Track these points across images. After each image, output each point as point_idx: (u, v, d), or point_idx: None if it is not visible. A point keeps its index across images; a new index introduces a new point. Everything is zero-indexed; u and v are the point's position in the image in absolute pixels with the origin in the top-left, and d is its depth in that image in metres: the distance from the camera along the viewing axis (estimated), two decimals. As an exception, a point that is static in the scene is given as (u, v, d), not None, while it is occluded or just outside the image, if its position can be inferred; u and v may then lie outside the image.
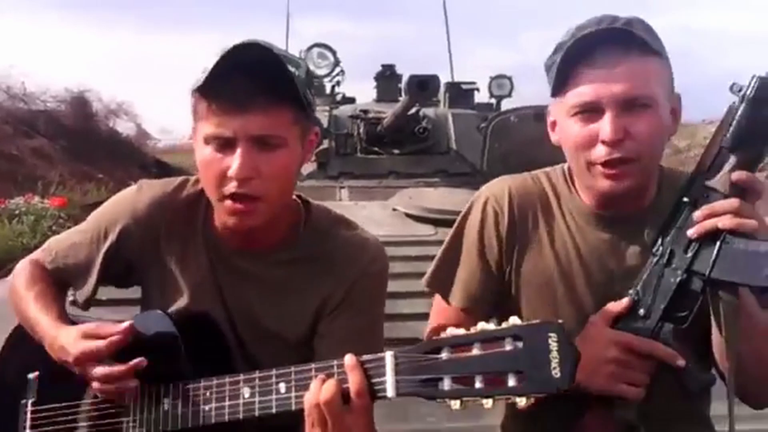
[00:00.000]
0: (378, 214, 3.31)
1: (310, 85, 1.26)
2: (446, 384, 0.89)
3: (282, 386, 1.03)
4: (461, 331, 0.90)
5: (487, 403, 0.86)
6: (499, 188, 1.33)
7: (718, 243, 1.06)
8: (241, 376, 1.07)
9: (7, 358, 1.38)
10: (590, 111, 1.16)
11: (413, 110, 4.23)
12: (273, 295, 1.26)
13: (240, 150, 1.14)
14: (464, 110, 4.70)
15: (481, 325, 0.89)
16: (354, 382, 0.96)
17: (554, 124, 1.28)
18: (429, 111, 4.48)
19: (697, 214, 1.08)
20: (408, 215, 3.25)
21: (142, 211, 1.30)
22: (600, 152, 1.16)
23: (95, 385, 1.16)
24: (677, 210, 1.12)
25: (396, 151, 4.39)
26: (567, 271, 1.25)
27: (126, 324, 1.15)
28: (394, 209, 3.35)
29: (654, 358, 1.12)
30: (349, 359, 0.97)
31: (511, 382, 0.85)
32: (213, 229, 1.29)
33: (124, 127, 14.61)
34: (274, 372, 1.04)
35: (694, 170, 1.12)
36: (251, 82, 1.13)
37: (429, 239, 2.93)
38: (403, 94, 4.41)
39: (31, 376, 1.31)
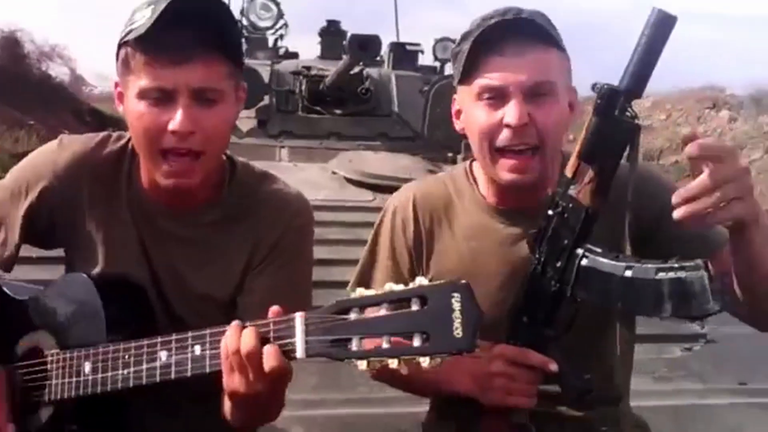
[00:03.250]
0: (317, 177, 3.31)
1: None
2: (354, 345, 0.88)
3: (197, 348, 1.02)
4: (370, 292, 0.90)
5: (393, 363, 0.86)
6: (404, 197, 1.36)
7: (576, 260, 1.07)
8: (159, 339, 1.06)
9: None
10: (496, 97, 1.19)
11: (356, 69, 4.19)
12: (199, 256, 1.25)
13: (181, 103, 1.10)
14: (408, 72, 4.69)
15: (389, 286, 0.88)
16: (268, 354, 0.95)
17: (459, 112, 1.30)
18: (372, 71, 4.45)
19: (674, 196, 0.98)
20: (347, 179, 3.26)
21: (63, 168, 1.25)
22: (505, 137, 1.18)
23: None
24: (547, 219, 1.13)
25: (338, 111, 4.37)
26: (471, 270, 1.26)
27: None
28: (334, 172, 3.36)
29: (529, 365, 1.16)
30: (273, 311, 0.96)
31: (417, 342, 0.84)
32: (138, 188, 1.26)
33: (57, 71, 14.01)
34: (190, 334, 1.03)
35: (560, 179, 1.13)
36: (192, 33, 1.10)
37: (367, 205, 2.96)
38: (346, 50, 4.37)
39: None
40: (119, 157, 1.27)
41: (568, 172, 1.09)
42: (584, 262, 1.06)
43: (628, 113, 1.04)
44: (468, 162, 1.37)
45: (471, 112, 1.22)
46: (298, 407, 1.80)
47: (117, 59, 1.17)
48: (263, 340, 0.96)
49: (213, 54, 1.12)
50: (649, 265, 0.99)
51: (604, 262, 1.04)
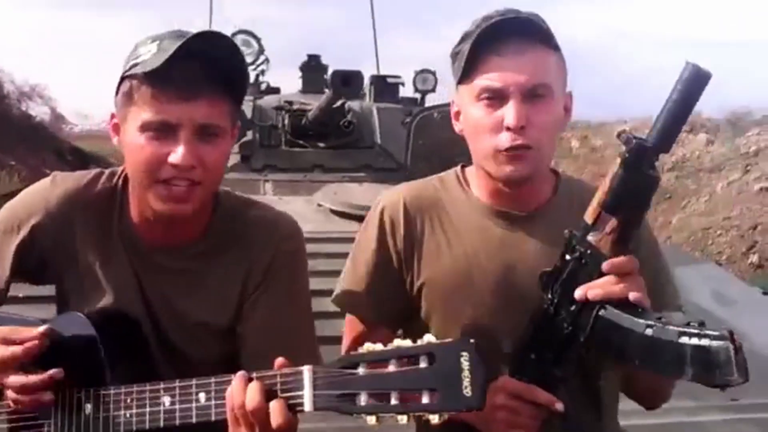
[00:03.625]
0: (302, 210, 3.33)
1: None
2: (363, 399, 0.90)
3: (202, 396, 1.03)
4: (378, 347, 0.92)
5: (402, 419, 0.88)
6: (395, 198, 1.34)
7: (594, 311, 1.06)
8: (162, 385, 1.07)
9: None
10: (496, 98, 1.20)
11: (338, 103, 4.24)
12: (192, 286, 1.26)
13: (184, 138, 1.12)
14: (389, 104, 4.75)
15: (397, 342, 0.91)
16: (275, 412, 0.95)
17: (458, 113, 1.30)
18: (354, 104, 4.51)
19: (577, 290, 1.08)
20: (333, 211, 3.28)
21: (55, 206, 1.27)
22: (504, 139, 1.19)
23: (10, 394, 1.14)
24: (563, 263, 1.12)
25: (321, 145, 4.41)
26: (467, 272, 1.27)
27: (42, 328, 1.13)
28: (319, 205, 3.38)
29: (534, 402, 1.15)
30: (278, 363, 0.98)
31: (425, 399, 0.87)
32: (130, 224, 1.27)
33: (37, 111, 13.99)
34: (194, 381, 1.05)
35: (582, 225, 1.12)
36: (200, 70, 1.13)
37: (353, 236, 2.96)
38: (327, 84, 4.43)
39: None
40: (111, 193, 1.28)
41: (588, 218, 1.09)
42: (602, 312, 1.05)
43: (654, 167, 1.05)
44: (459, 167, 1.37)
45: (470, 112, 1.23)
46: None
47: (117, 92, 1.19)
48: (270, 393, 0.97)
49: (218, 92, 1.15)
50: (671, 327, 0.98)
51: (624, 317, 1.03)
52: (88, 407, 1.12)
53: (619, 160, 1.05)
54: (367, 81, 4.77)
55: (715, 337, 0.94)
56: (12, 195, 1.39)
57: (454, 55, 1.26)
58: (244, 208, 1.31)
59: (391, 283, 1.31)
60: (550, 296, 1.14)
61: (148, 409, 1.07)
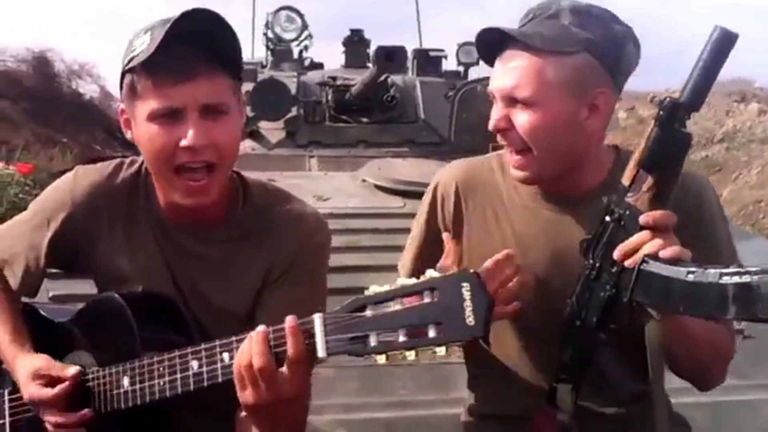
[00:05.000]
0: (348, 186, 3.36)
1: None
2: (373, 340, 0.91)
3: (226, 356, 1.06)
4: (383, 288, 0.93)
5: (410, 354, 0.89)
6: (449, 174, 1.41)
7: (636, 266, 1.09)
8: (189, 349, 1.10)
9: None
10: (494, 98, 1.26)
11: (381, 78, 4.24)
12: (217, 272, 1.29)
13: (191, 119, 1.14)
14: (432, 78, 4.72)
15: (401, 281, 0.92)
16: (291, 346, 0.98)
17: None
18: (397, 78, 4.49)
19: (619, 247, 1.12)
20: (377, 186, 3.30)
21: (81, 197, 1.31)
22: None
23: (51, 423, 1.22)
24: (603, 226, 1.16)
25: (365, 120, 4.41)
26: (519, 248, 1.28)
27: (72, 371, 1.19)
28: (364, 180, 3.39)
29: None
30: (289, 321, 0.99)
31: (431, 333, 0.88)
32: (156, 208, 1.30)
33: (87, 89, 14.24)
34: (217, 342, 1.08)
35: (619, 187, 1.15)
36: (193, 51, 1.14)
37: (398, 212, 2.99)
38: (371, 60, 4.42)
39: (4, 365, 1.34)
40: (135, 180, 1.32)
41: (625, 180, 1.13)
42: (644, 266, 1.08)
43: (685, 125, 1.09)
44: None
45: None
46: (341, 411, 1.84)
47: (121, 88, 1.21)
48: (279, 351, 1.00)
49: (215, 69, 1.17)
50: (712, 270, 1.00)
51: (665, 267, 1.06)
52: (126, 380, 1.16)
53: (653, 121, 1.10)
54: (409, 55, 4.75)
55: (755, 273, 0.96)
56: (67, 171, 1.43)
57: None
58: (273, 200, 1.33)
59: (437, 256, 1.33)
60: (591, 261, 1.17)
61: (179, 375, 1.10)
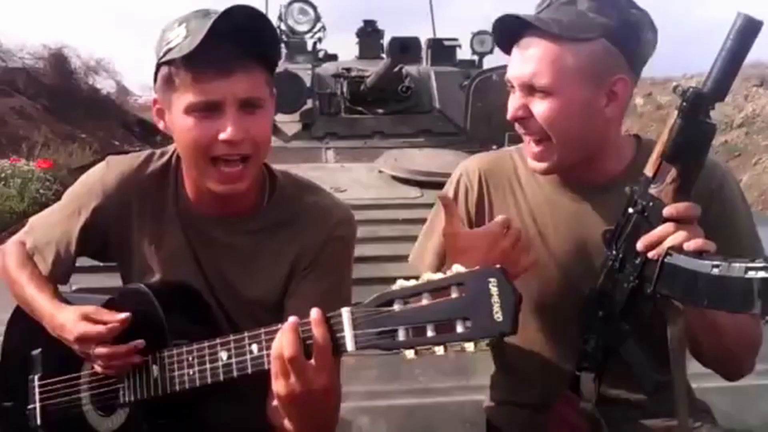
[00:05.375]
0: (365, 177, 3.37)
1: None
2: (401, 335, 0.91)
3: (255, 347, 1.07)
4: (411, 283, 0.92)
5: (439, 350, 0.89)
6: (473, 166, 1.40)
7: (660, 259, 1.08)
8: (218, 341, 1.12)
9: (11, 336, 1.46)
10: (512, 87, 1.25)
11: (396, 69, 4.24)
12: (245, 263, 1.30)
13: (230, 113, 1.16)
14: (447, 68, 4.71)
15: (428, 275, 0.92)
16: (318, 337, 0.99)
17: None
18: (412, 69, 4.49)
19: (643, 238, 1.11)
20: (394, 177, 3.31)
21: (112, 187, 1.33)
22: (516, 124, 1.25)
23: (98, 363, 1.23)
24: (626, 218, 1.16)
25: (380, 111, 4.42)
26: (535, 247, 1.29)
27: (123, 315, 1.21)
28: (380, 171, 3.40)
29: None
30: (315, 313, 1.00)
31: (459, 328, 0.87)
32: (185, 199, 1.32)
33: (103, 84, 14.34)
34: (246, 334, 1.09)
35: (642, 179, 1.15)
36: (233, 46, 1.16)
37: (415, 202, 3.00)
38: (385, 51, 4.42)
39: (34, 352, 1.39)
40: (164, 171, 1.34)
41: (649, 171, 1.12)
42: (668, 259, 1.07)
43: (710, 115, 1.07)
44: None
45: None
46: (363, 398, 1.87)
47: (155, 79, 1.22)
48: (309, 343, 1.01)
49: (253, 64, 1.19)
50: (737, 264, 1.00)
51: (690, 260, 1.05)
52: (155, 369, 1.19)
53: (676, 111, 1.08)
54: (423, 45, 4.74)
55: None
56: (86, 167, 1.47)
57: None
58: (301, 191, 1.34)
59: None
60: (614, 252, 1.16)
61: (208, 366, 1.12)
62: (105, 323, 1.20)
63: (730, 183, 1.29)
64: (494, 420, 1.49)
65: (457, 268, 0.90)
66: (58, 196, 1.50)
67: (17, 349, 1.42)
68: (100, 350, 1.21)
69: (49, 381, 1.36)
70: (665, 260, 1.08)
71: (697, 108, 1.07)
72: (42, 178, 6.90)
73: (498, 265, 0.89)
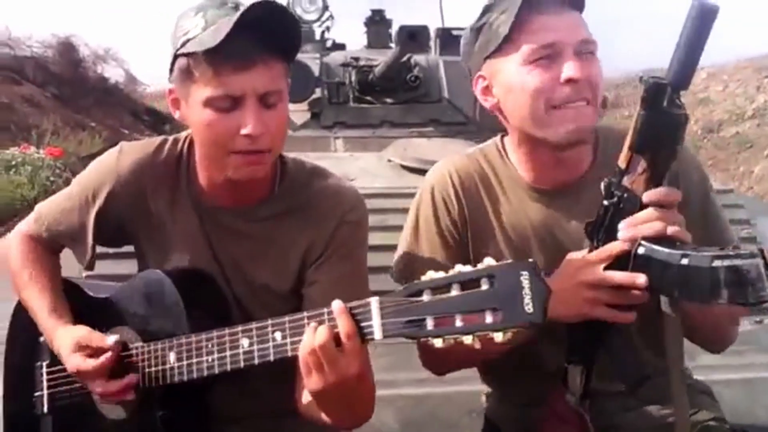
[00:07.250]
0: (373, 166, 3.36)
1: None
2: (429, 324, 0.92)
3: (278, 335, 1.08)
4: (440, 274, 0.94)
5: (468, 339, 0.91)
6: (441, 175, 1.36)
7: (633, 250, 1.08)
8: (239, 328, 1.12)
9: (18, 323, 1.46)
10: (550, 57, 1.20)
11: (404, 58, 4.22)
12: (258, 250, 1.31)
13: (250, 108, 1.16)
14: (455, 57, 4.67)
15: (458, 267, 0.93)
16: (343, 326, 1.00)
17: (488, 88, 1.30)
18: (420, 58, 4.47)
19: (621, 225, 1.11)
20: (403, 166, 3.30)
21: (126, 174, 1.33)
22: (564, 94, 1.20)
23: (96, 393, 1.25)
24: (605, 209, 1.15)
25: (388, 100, 4.40)
26: (518, 245, 1.30)
27: (111, 340, 1.23)
28: (389, 160, 3.40)
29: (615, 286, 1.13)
30: (336, 305, 1.01)
31: (489, 318, 0.89)
32: (197, 187, 1.32)
33: (112, 73, 14.37)
34: (270, 322, 1.10)
35: (616, 170, 1.14)
36: (254, 40, 1.15)
37: (424, 190, 2.99)
38: (393, 40, 4.39)
39: (42, 339, 1.39)
40: (177, 159, 1.34)
41: (621, 163, 1.12)
42: (641, 250, 1.07)
43: (677, 104, 1.05)
44: (498, 137, 1.37)
45: (517, 79, 1.22)
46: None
47: (173, 69, 1.21)
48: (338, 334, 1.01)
49: (273, 57, 1.18)
50: (705, 253, 1.00)
51: (661, 251, 1.05)
52: (172, 356, 1.19)
53: (641, 102, 1.08)
54: (432, 34, 4.71)
55: (745, 257, 0.97)
56: (96, 155, 1.47)
57: (479, 29, 1.27)
58: (311, 177, 1.34)
59: (452, 255, 1.32)
60: (595, 243, 1.16)
61: (228, 353, 1.12)
62: (97, 351, 1.22)
63: (699, 170, 1.31)
64: (490, 414, 1.50)
65: (489, 261, 0.92)
66: (67, 184, 1.50)
67: (24, 335, 1.43)
68: (95, 387, 1.24)
69: (56, 368, 1.36)
70: (637, 252, 1.08)
71: (658, 98, 1.06)
72: (52, 166, 6.95)
73: (531, 260, 0.91)
